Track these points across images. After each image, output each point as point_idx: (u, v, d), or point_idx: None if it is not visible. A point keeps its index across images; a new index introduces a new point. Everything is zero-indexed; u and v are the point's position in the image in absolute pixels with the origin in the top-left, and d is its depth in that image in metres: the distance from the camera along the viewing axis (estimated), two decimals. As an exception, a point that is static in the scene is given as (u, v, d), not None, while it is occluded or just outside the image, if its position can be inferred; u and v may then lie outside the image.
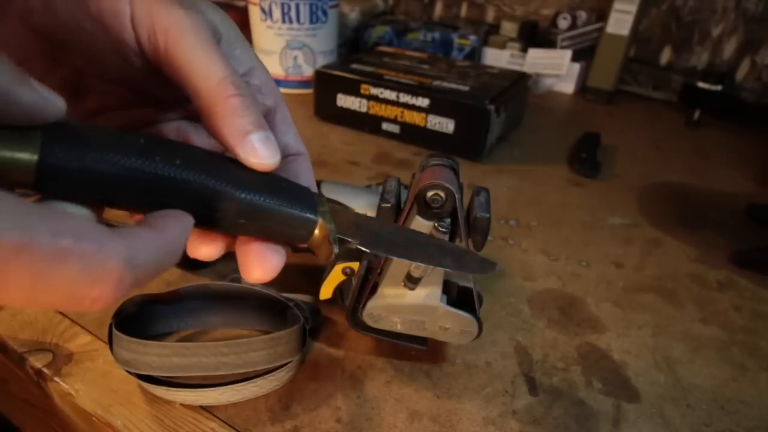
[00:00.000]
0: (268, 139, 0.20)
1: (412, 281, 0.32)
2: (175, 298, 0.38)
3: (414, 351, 0.38)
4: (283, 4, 0.80)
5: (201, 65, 0.19)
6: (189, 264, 0.45)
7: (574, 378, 0.38)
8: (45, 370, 0.35)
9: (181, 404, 0.33)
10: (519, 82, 0.77)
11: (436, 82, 0.71)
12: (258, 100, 0.21)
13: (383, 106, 0.72)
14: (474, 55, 1.00)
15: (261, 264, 0.22)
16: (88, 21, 0.20)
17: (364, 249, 0.24)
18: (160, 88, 0.22)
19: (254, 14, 0.83)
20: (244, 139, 0.20)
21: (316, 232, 0.22)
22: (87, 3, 0.20)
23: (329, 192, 0.40)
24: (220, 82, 0.19)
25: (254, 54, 0.24)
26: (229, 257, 0.48)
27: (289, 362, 0.34)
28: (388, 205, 0.33)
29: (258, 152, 0.20)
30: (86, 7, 0.20)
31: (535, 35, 1.03)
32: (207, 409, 0.33)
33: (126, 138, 0.18)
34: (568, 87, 0.99)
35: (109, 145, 0.18)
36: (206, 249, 0.22)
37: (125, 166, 0.18)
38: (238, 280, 0.41)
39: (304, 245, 0.23)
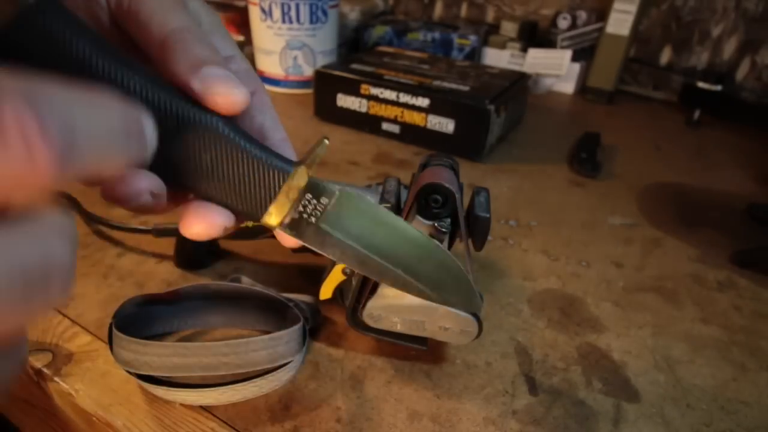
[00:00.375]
0: (227, 75, 0.19)
1: None
2: (175, 298, 0.38)
3: (414, 351, 0.38)
4: (283, 4, 0.80)
5: (160, 16, 0.19)
6: (189, 264, 0.45)
7: (574, 378, 0.38)
8: (45, 370, 0.35)
9: (181, 404, 0.33)
10: (519, 82, 0.77)
11: (436, 82, 0.71)
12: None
13: (383, 106, 0.72)
14: (474, 55, 1.00)
15: (204, 219, 0.21)
16: None
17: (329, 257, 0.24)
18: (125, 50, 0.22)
19: (254, 14, 0.83)
20: (197, 71, 0.18)
21: (281, 197, 0.21)
22: None
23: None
24: (176, 27, 0.19)
25: (235, 44, 0.24)
26: (229, 257, 0.49)
27: (289, 362, 0.34)
28: (388, 205, 0.33)
29: (215, 87, 0.19)
30: None
31: (535, 35, 1.03)
32: (207, 409, 0.33)
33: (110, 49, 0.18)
34: (568, 87, 0.99)
35: (94, 42, 0.17)
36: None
37: (99, 64, 0.17)
38: (238, 280, 0.41)
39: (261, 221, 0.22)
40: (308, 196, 0.23)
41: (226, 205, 0.22)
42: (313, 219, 0.23)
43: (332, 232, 0.24)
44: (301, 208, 0.23)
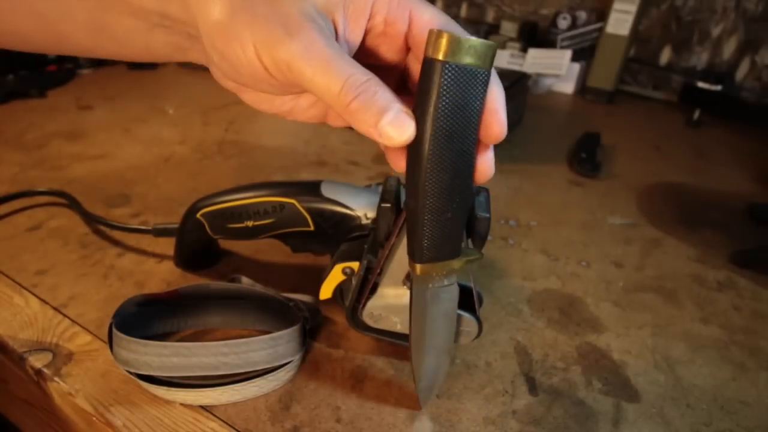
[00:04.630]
0: (393, 120, 0.23)
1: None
2: (175, 298, 0.38)
3: (414, 351, 0.38)
4: (283, 4, 0.80)
5: (320, 81, 0.23)
6: (189, 264, 0.45)
7: (574, 378, 0.38)
8: (45, 370, 0.35)
9: (181, 404, 0.33)
10: (519, 82, 0.77)
11: (436, 82, 0.71)
12: (376, 87, 0.23)
13: (383, 106, 0.72)
14: (474, 55, 1.00)
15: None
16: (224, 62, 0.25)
17: None
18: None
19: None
20: (375, 129, 0.23)
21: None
22: (240, 73, 0.25)
23: (329, 192, 0.40)
24: (339, 92, 0.22)
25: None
26: (229, 257, 0.49)
27: (289, 362, 0.34)
28: (388, 205, 0.33)
29: (390, 136, 0.23)
30: (242, 75, 0.25)
31: (535, 35, 1.03)
32: (207, 409, 0.33)
33: None
34: (568, 87, 0.99)
35: None
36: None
37: None
38: (239, 280, 0.41)
39: None
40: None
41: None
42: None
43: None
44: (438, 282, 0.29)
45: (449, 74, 0.22)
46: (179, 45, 0.27)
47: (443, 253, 0.27)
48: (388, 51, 0.27)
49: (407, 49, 0.27)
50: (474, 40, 0.22)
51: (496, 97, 0.24)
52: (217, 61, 0.25)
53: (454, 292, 0.30)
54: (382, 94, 0.23)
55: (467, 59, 0.22)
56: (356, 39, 0.26)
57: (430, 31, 0.22)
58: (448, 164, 0.24)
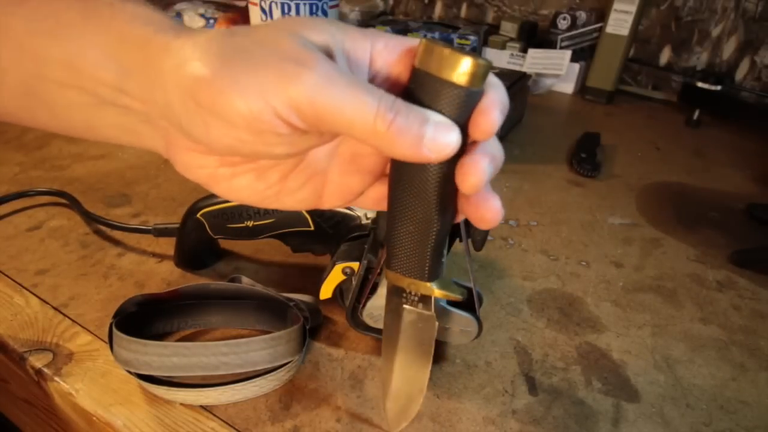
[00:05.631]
0: (435, 137, 0.21)
1: None
2: (175, 298, 0.38)
3: (414, 351, 0.38)
4: (283, 4, 0.80)
5: (355, 115, 0.20)
6: (189, 264, 0.45)
7: (573, 378, 0.38)
8: (45, 370, 0.35)
9: (181, 404, 0.33)
10: (519, 82, 0.77)
11: (436, 82, 0.71)
12: (405, 104, 0.21)
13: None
14: (474, 55, 1.00)
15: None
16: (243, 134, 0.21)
17: None
18: (320, 141, 0.23)
19: (254, 14, 0.83)
20: (419, 150, 0.20)
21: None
22: (235, 124, 0.20)
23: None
24: (375, 117, 0.20)
25: (344, 26, 0.23)
26: (229, 257, 0.49)
27: (289, 362, 0.34)
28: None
29: (440, 144, 0.21)
30: (237, 127, 0.21)
31: (534, 35, 1.03)
32: (207, 409, 0.33)
33: None
34: (568, 87, 0.99)
35: None
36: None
37: None
38: (239, 280, 0.41)
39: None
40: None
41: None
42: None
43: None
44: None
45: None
46: (131, 129, 0.24)
47: (409, 269, 0.26)
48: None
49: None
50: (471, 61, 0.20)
51: (491, 99, 0.21)
52: (198, 129, 0.21)
53: (431, 323, 0.28)
54: (414, 108, 0.21)
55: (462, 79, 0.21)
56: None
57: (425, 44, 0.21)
58: (405, 178, 0.23)
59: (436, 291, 0.27)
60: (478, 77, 0.20)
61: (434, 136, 0.20)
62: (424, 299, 0.28)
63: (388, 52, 0.23)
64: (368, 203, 0.28)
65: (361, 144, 0.22)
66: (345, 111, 0.20)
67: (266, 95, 0.19)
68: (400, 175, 0.24)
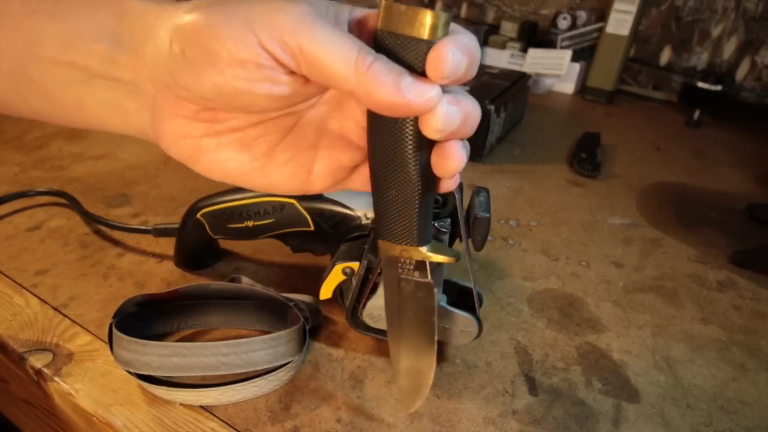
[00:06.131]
0: (413, 81, 0.21)
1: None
2: (175, 298, 0.38)
3: (414, 351, 0.38)
4: (283, 4, 0.80)
5: (335, 52, 0.20)
6: (189, 264, 0.45)
7: (574, 378, 0.38)
8: (45, 370, 0.35)
9: (181, 404, 0.33)
10: (519, 82, 0.77)
11: (436, 82, 0.71)
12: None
13: (383, 106, 0.72)
14: (474, 55, 1.00)
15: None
16: (229, 69, 0.21)
17: None
18: (304, 91, 0.23)
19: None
20: (400, 92, 0.20)
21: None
22: (220, 57, 0.21)
23: (330, 192, 0.40)
24: (356, 56, 0.20)
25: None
26: (229, 257, 0.49)
27: (289, 362, 0.34)
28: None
29: (417, 94, 0.21)
30: (221, 61, 0.21)
31: (535, 35, 1.03)
32: (207, 409, 0.33)
33: None
34: (568, 87, 0.99)
35: None
36: None
37: None
38: (238, 280, 0.41)
39: None
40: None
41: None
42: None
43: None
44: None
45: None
46: (118, 105, 0.24)
47: (398, 236, 0.26)
48: None
49: None
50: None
51: (444, 41, 0.21)
52: (187, 74, 0.22)
53: (429, 291, 0.28)
54: (389, 61, 0.21)
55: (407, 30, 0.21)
56: None
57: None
58: (380, 141, 0.23)
59: (428, 254, 0.27)
60: (439, 29, 0.21)
61: (411, 84, 0.20)
62: (419, 266, 0.28)
63: (362, 18, 0.23)
64: (359, 183, 0.28)
65: (344, 94, 0.22)
66: (327, 47, 0.20)
67: (252, 26, 0.20)
68: (376, 138, 0.24)
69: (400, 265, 0.28)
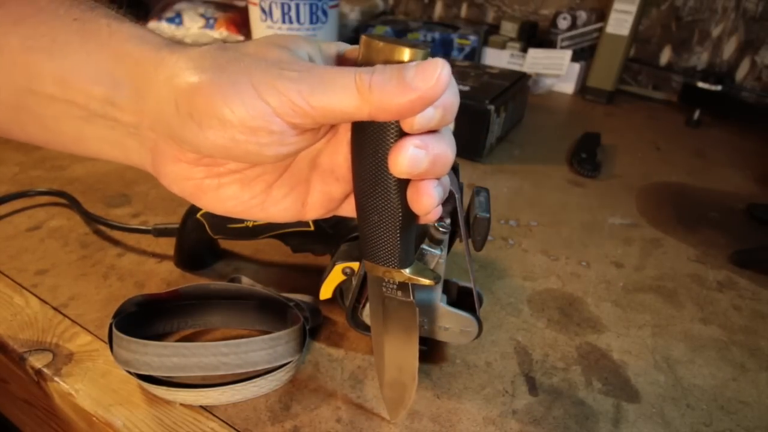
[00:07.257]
0: (417, 67, 0.21)
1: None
2: (175, 298, 0.38)
3: (414, 351, 0.38)
4: (283, 4, 0.80)
5: (338, 92, 0.21)
6: (189, 264, 0.45)
7: (574, 378, 0.38)
8: (45, 370, 0.35)
9: (181, 404, 0.33)
10: (519, 82, 0.77)
11: (436, 82, 0.71)
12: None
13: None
14: (474, 55, 1.00)
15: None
16: (245, 145, 0.22)
17: None
18: (307, 144, 0.24)
19: (254, 14, 0.83)
20: (408, 89, 0.20)
21: None
22: (232, 125, 0.21)
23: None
24: (355, 85, 0.21)
25: (318, 40, 0.25)
26: (229, 257, 0.49)
27: (289, 362, 0.34)
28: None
29: (427, 78, 0.20)
30: (233, 128, 0.21)
31: (535, 35, 1.03)
32: (207, 409, 0.33)
33: None
34: (568, 87, 0.99)
35: None
36: None
37: None
38: (238, 280, 0.41)
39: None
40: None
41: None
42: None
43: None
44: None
45: None
46: (118, 142, 0.25)
47: (381, 258, 0.27)
48: None
49: None
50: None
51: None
52: (192, 133, 0.22)
53: (411, 310, 0.29)
54: (386, 65, 0.21)
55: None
56: None
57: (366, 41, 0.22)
58: (363, 169, 0.24)
59: (410, 276, 0.27)
60: None
61: (416, 70, 0.20)
62: (402, 286, 0.28)
63: (345, 54, 0.25)
64: (349, 211, 0.28)
65: (354, 116, 0.22)
66: (330, 92, 0.21)
67: (263, 95, 0.21)
68: (358, 166, 0.24)
69: (384, 284, 0.29)
